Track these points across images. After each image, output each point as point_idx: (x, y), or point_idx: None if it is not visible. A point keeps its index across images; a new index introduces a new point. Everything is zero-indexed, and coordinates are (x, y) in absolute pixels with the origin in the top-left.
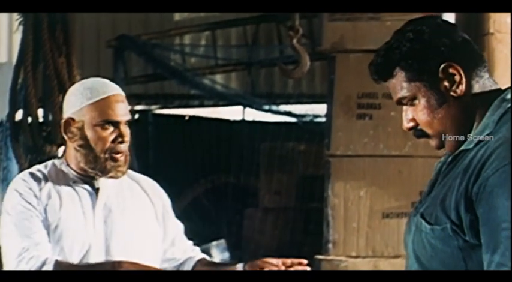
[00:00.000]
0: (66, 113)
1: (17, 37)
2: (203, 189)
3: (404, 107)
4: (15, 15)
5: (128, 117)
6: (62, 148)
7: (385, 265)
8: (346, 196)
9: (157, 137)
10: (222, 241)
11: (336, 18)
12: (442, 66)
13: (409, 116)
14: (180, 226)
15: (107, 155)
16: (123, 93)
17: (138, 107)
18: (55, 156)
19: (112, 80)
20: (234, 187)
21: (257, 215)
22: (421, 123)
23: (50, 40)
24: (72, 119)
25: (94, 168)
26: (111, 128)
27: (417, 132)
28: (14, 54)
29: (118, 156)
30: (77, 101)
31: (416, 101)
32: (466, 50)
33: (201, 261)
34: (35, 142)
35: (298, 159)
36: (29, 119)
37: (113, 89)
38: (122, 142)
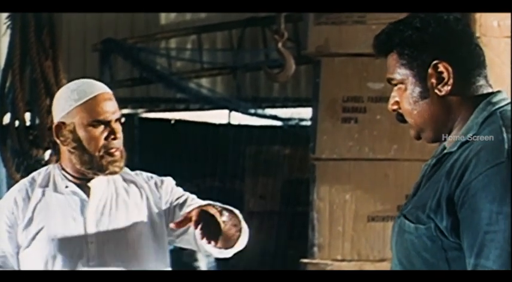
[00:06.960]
0: (56, 118)
1: (5, 41)
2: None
3: (394, 88)
4: (3, 19)
5: (117, 114)
6: (48, 152)
7: (370, 268)
8: (331, 200)
9: (143, 140)
10: None
11: (321, 22)
12: (433, 62)
13: (395, 98)
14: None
15: (101, 153)
16: (110, 91)
17: (124, 111)
18: (41, 160)
19: None
20: (219, 191)
21: None
22: (402, 109)
23: (37, 43)
24: (63, 123)
25: (91, 168)
26: (102, 127)
27: (398, 116)
28: (2, 57)
29: (113, 151)
30: (65, 104)
31: (403, 86)
32: (467, 52)
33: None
34: (22, 146)
35: (284, 162)
36: (16, 123)
37: (100, 88)
38: (114, 138)
